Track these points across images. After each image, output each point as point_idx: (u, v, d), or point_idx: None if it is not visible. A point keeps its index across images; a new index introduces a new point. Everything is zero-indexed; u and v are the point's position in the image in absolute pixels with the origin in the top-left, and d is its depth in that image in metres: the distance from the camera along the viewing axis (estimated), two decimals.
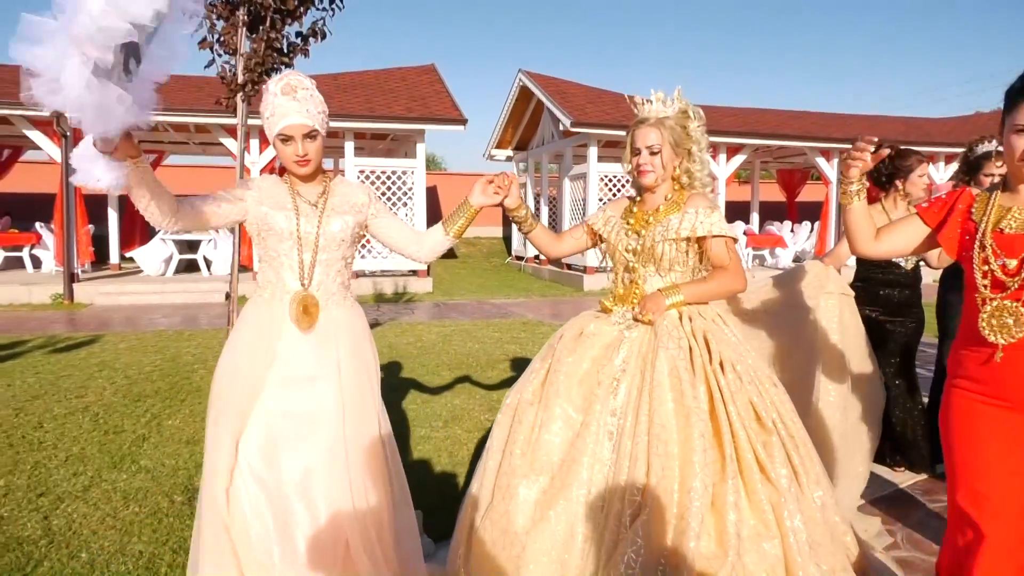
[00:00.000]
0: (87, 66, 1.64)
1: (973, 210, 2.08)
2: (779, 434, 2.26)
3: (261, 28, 3.55)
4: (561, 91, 15.23)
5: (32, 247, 13.60)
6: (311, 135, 2.28)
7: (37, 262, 13.71)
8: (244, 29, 3.56)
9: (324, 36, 3.76)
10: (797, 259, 16.42)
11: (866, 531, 3.05)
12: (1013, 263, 1.93)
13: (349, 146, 13.15)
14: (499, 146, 19.14)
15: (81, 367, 6.48)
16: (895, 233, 2.24)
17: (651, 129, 2.47)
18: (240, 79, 3.58)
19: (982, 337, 1.97)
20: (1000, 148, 3.57)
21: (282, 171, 2.44)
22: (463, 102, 16.71)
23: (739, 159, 15.25)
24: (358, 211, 2.45)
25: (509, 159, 19.50)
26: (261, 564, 2.16)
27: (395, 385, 5.78)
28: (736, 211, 18.39)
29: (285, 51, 3.65)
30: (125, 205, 14.40)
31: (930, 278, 4.17)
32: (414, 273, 13.41)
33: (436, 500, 3.38)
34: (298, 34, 3.70)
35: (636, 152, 2.51)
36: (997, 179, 3.34)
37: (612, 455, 2.27)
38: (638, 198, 2.63)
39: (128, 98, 1.72)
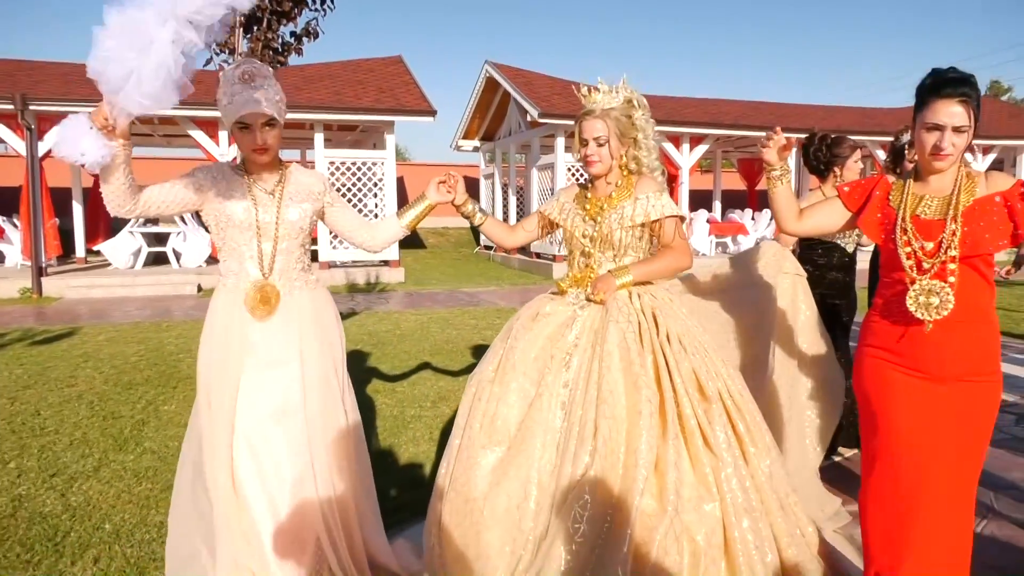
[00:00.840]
0: (178, 44, 1.75)
1: (891, 197, 2.24)
2: (723, 403, 2.37)
3: (257, 28, 3.73)
4: (528, 82, 15.45)
5: None
6: (270, 123, 2.31)
7: (0, 257, 13.54)
8: (240, 30, 3.73)
9: (316, 35, 3.95)
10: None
11: (823, 510, 3.17)
12: (931, 245, 2.10)
13: (319, 137, 13.21)
14: (466, 136, 19.29)
15: (65, 358, 6.56)
16: (817, 213, 2.42)
17: (597, 120, 2.53)
18: None
19: (903, 312, 2.13)
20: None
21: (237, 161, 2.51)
22: (428, 93, 16.79)
23: (701, 149, 15.67)
24: (315, 199, 2.50)
25: (476, 149, 19.69)
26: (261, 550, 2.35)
27: (381, 370, 6.00)
28: (699, 200, 18.88)
29: (280, 50, 3.83)
30: (89, 198, 14.26)
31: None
32: (386, 263, 13.56)
33: (431, 475, 3.62)
34: (292, 34, 3.88)
35: (584, 143, 2.58)
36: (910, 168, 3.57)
37: (563, 423, 2.37)
38: (590, 184, 2.71)
39: (184, 81, 1.83)
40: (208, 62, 3.88)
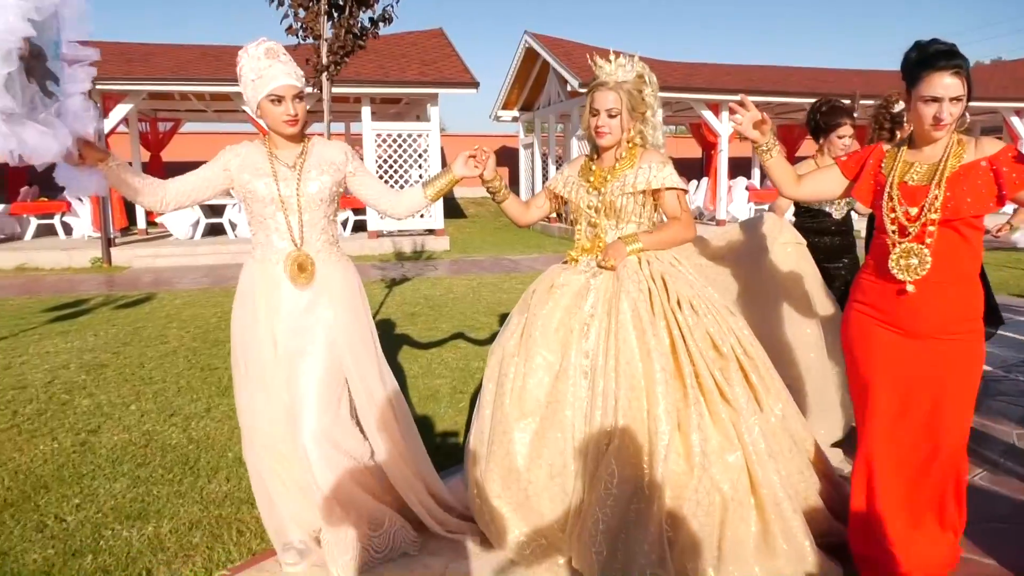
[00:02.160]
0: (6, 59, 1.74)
1: (883, 164, 2.33)
2: (737, 359, 2.50)
3: (340, 16, 4.13)
4: (567, 52, 15.64)
5: (63, 215, 14.15)
6: (299, 95, 2.40)
7: (68, 229, 14.26)
8: (324, 17, 4.14)
9: (391, 20, 4.34)
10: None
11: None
12: (914, 210, 2.19)
13: (366, 111, 13.65)
14: (505, 107, 19.56)
15: (150, 320, 7.15)
16: (815, 179, 2.52)
17: (610, 92, 2.57)
18: (324, 61, 4.17)
19: (888, 273, 2.24)
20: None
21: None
22: (468, 64, 17.12)
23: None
24: (336, 169, 2.54)
25: (515, 120, 19.95)
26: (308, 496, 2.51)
27: (443, 329, 6.47)
28: (738, 167, 18.93)
29: (359, 35, 4.23)
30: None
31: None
32: (431, 232, 14.02)
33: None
34: (370, 19, 4.27)
35: (595, 113, 2.61)
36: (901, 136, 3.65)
37: (588, 393, 2.50)
38: (596, 156, 2.76)
39: (55, 123, 1.88)
40: (296, 47, 4.28)
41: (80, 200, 13.90)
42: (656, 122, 2.70)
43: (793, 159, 20.34)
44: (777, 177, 2.49)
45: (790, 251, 3.57)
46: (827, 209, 3.89)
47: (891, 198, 2.25)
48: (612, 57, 2.61)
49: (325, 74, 4.17)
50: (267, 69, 2.32)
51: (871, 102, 4.04)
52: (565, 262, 2.78)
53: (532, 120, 19.04)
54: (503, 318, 6.65)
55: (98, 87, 11.90)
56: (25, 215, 14.16)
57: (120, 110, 12.69)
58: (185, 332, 6.51)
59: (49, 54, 1.91)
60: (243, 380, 2.53)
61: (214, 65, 13.31)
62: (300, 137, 2.51)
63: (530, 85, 18.51)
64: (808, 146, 21.85)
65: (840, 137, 3.77)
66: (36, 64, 1.87)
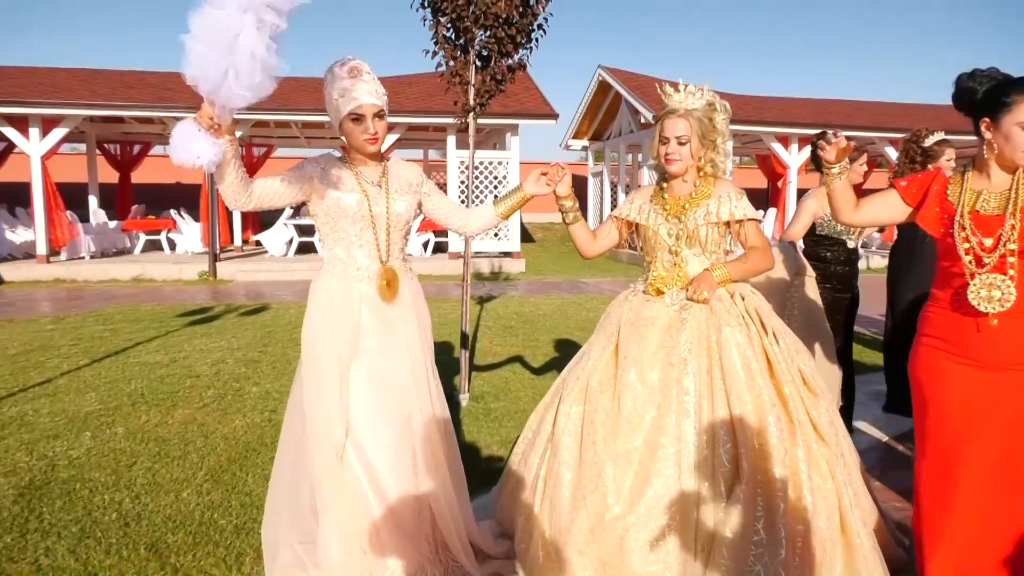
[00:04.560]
0: (264, 31, 1.81)
1: (948, 191, 2.25)
2: (823, 396, 2.46)
3: (486, 66, 4.86)
4: (640, 85, 16.30)
5: (168, 231, 15.34)
6: (380, 115, 2.38)
7: (172, 244, 15.45)
8: (473, 66, 4.87)
9: (525, 67, 5.05)
10: (864, 243, 17.21)
11: None
12: (989, 241, 2.12)
13: (451, 140, 14.53)
14: (575, 136, 20.30)
15: (276, 324, 7.97)
16: (874, 205, 2.44)
17: (680, 119, 2.56)
18: (471, 103, 4.90)
19: (964, 305, 2.14)
20: (946, 137, 3.99)
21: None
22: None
23: (809, 149, 16.12)
24: (415, 191, 2.57)
25: (584, 148, 20.67)
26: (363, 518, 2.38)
27: (543, 341, 7.10)
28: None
29: (500, 79, 4.94)
30: None
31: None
32: (508, 255, 14.74)
33: None
34: (509, 67, 4.99)
35: (664, 141, 2.59)
36: (954, 163, 3.85)
37: (694, 432, 2.38)
38: (665, 185, 2.72)
39: (277, 68, 1.87)
40: (447, 90, 5.02)
41: (182, 217, 15.11)
42: (727, 149, 2.69)
43: (859, 190, 20.48)
44: (840, 200, 2.44)
45: (809, 281, 3.72)
46: (843, 238, 3.94)
47: (963, 227, 2.17)
48: (682, 86, 2.61)
49: (472, 114, 4.89)
50: (351, 89, 2.33)
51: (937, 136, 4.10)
52: (641, 290, 2.72)
53: (601, 149, 19.71)
54: (591, 333, 7.14)
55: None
56: (135, 231, 15.43)
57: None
58: None
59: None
60: (311, 388, 2.43)
61: (314, 96, 14.36)
62: (379, 156, 2.52)
63: (600, 116, 19.22)
64: (876, 178, 22.09)
65: (860, 165, 3.94)
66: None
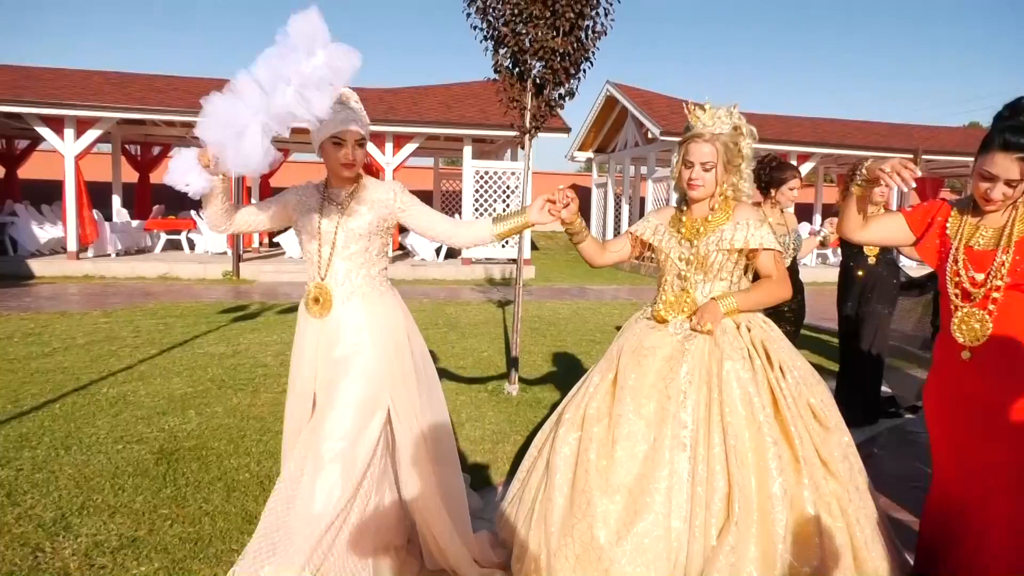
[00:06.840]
0: (267, 133, 2.06)
1: (948, 225, 2.27)
2: (836, 430, 2.39)
3: (541, 93, 5.47)
4: (647, 101, 16.98)
5: (189, 232, 15.82)
6: (360, 142, 2.48)
7: (192, 244, 15.92)
8: (530, 93, 5.48)
9: (574, 95, 5.67)
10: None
11: None
12: (980, 276, 2.14)
13: (467, 150, 15.12)
14: (581, 148, 20.97)
15: None
16: (881, 225, 2.45)
17: (706, 144, 2.49)
18: (527, 126, 5.51)
19: (950, 335, 2.22)
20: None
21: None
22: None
23: (808, 166, 16.87)
24: (383, 206, 2.56)
25: (589, 160, 21.33)
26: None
27: (570, 342, 7.69)
28: (801, 212, 19.88)
29: (552, 105, 5.55)
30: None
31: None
32: (513, 261, 15.29)
33: None
34: (559, 95, 5.60)
35: (689, 165, 2.52)
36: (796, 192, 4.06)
37: (688, 468, 2.32)
38: (685, 207, 2.67)
39: (275, 154, 2.13)
40: (506, 112, 5.63)
41: (200, 217, 15.56)
42: (749, 173, 2.60)
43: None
44: (853, 214, 2.44)
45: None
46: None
47: (956, 261, 2.21)
48: (708, 107, 2.52)
49: (528, 136, 5.49)
50: (337, 113, 2.40)
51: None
52: (646, 317, 2.69)
53: (606, 162, 20.36)
54: (612, 334, 7.70)
55: None
56: (156, 231, 15.91)
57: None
58: None
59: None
60: (293, 401, 2.67)
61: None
62: (353, 179, 2.58)
63: (606, 129, 19.88)
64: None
65: (791, 188, 4.08)
66: None
